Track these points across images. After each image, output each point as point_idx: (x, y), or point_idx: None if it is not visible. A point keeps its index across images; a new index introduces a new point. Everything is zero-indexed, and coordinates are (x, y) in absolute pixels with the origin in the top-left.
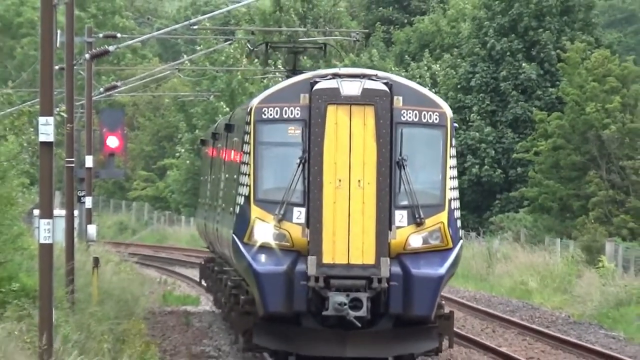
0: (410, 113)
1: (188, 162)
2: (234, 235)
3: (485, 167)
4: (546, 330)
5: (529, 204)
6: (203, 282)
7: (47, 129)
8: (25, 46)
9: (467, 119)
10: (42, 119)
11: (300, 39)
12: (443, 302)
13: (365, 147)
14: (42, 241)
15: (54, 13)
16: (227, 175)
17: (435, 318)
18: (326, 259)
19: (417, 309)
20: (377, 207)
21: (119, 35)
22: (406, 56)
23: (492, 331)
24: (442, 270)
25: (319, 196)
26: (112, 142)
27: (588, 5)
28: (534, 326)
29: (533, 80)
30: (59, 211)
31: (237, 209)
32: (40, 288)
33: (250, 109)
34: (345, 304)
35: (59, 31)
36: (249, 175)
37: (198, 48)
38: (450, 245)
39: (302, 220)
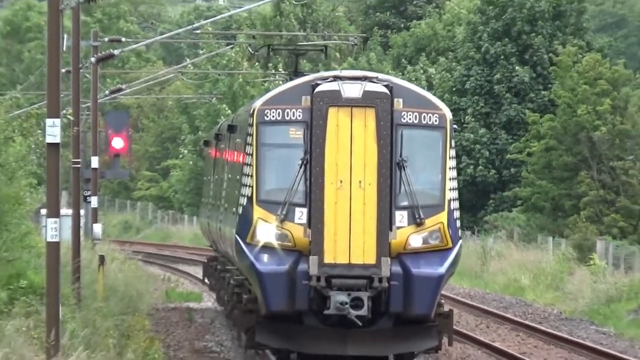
0: (410, 115)
1: (191, 162)
2: (236, 236)
3: (480, 167)
4: (539, 326)
5: (522, 203)
6: (206, 280)
7: (53, 131)
8: (32, 50)
9: (462, 120)
10: (49, 121)
11: (300, 43)
12: (442, 300)
13: (366, 149)
14: (49, 239)
15: (61, 18)
16: (229, 176)
17: (435, 316)
18: (328, 259)
19: (417, 308)
20: (378, 208)
21: (123, 39)
22: (403, 59)
23: (486, 327)
24: (442, 269)
25: (320, 197)
26: (117, 143)
27: (579, 10)
28: (526, 322)
29: (526, 83)
30: (66, 210)
31: (240, 210)
32: (48, 285)
33: (253, 111)
34: (346, 303)
35: (65, 35)
36: (251, 176)
37: (200, 52)
38: (450, 245)
39: (304, 220)
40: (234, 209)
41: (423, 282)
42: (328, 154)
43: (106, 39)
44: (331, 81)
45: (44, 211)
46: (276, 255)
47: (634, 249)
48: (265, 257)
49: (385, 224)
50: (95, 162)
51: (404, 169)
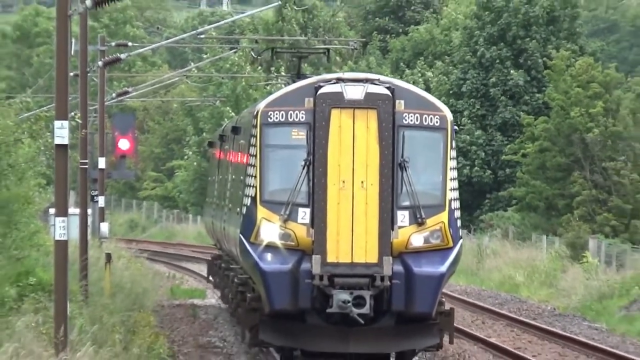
0: (411, 116)
1: (195, 163)
2: (240, 235)
3: (476, 168)
4: (533, 322)
5: (517, 202)
6: (210, 278)
7: (62, 132)
8: (41, 54)
9: (459, 123)
10: (57, 123)
11: (301, 47)
12: (443, 299)
13: (368, 150)
14: (57, 238)
15: (69, 23)
16: (233, 177)
17: (436, 315)
18: (330, 258)
19: (418, 306)
20: (380, 208)
21: (130, 44)
22: (401, 63)
23: (482, 323)
24: (443, 268)
25: (323, 197)
26: (124, 144)
27: (572, 16)
28: (521, 318)
29: (521, 86)
30: (74, 210)
31: (244, 210)
32: (56, 282)
33: (257, 113)
34: (348, 302)
35: (73, 40)
36: (255, 176)
37: (204, 56)
38: (451, 244)
39: (307, 220)
40: (238, 209)
41: (424, 280)
42: (331, 155)
43: (113, 44)
44: (334, 83)
45: (52, 210)
46: (279, 254)
47: (625, 247)
48: (268, 257)
49: (387, 223)
50: (102, 162)
51: (406, 170)
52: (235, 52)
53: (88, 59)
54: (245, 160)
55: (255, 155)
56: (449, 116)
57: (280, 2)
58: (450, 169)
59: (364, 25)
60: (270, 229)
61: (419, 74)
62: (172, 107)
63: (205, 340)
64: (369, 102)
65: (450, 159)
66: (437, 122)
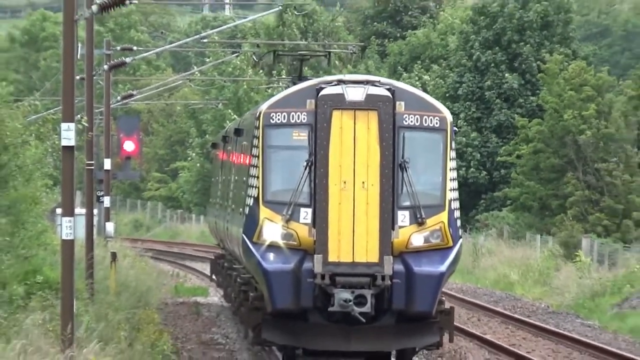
0: (412, 117)
1: (198, 164)
2: (243, 235)
3: (472, 169)
4: (527, 319)
5: (512, 203)
6: (214, 277)
7: (68, 134)
8: (48, 58)
9: (455, 125)
10: (64, 125)
11: (302, 50)
12: (443, 298)
13: (369, 150)
14: (64, 237)
15: (75, 28)
16: (236, 177)
17: (436, 313)
18: (332, 258)
19: (419, 305)
20: (381, 208)
21: (134, 48)
22: (399, 67)
23: (478, 320)
24: (443, 267)
25: (324, 197)
26: (129, 146)
27: (566, 21)
28: (516, 315)
29: (515, 90)
30: (80, 210)
31: (247, 210)
32: (62, 280)
33: (259, 114)
34: (350, 301)
35: (79, 44)
36: (257, 177)
37: (207, 60)
38: (451, 244)
39: (309, 220)
40: (241, 209)
41: (424, 279)
42: (332, 156)
43: (118, 48)
44: (335, 85)
45: (59, 210)
46: (282, 254)
47: (617, 246)
48: (271, 256)
49: (387, 223)
50: (107, 164)
51: (406, 170)
52: (237, 56)
53: (94, 62)
54: (248, 161)
55: (258, 156)
56: (449, 117)
57: (281, 8)
58: (450, 169)
59: (363, 30)
60: (272, 229)
61: (416, 78)
62: (176, 109)
63: (208, 337)
64: (370, 103)
65: (450, 159)
66: (437, 123)
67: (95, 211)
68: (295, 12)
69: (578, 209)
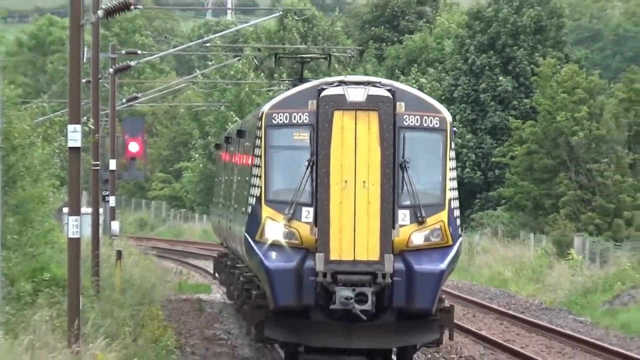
0: (412, 118)
1: (201, 165)
2: (246, 234)
3: (467, 169)
4: (521, 316)
5: (506, 202)
6: (217, 275)
7: (75, 136)
8: (55, 62)
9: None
10: (70, 127)
11: (303, 53)
12: (443, 296)
13: (369, 150)
14: (70, 236)
15: (81, 32)
16: (239, 177)
17: (437, 311)
18: (333, 256)
19: (419, 303)
20: (381, 207)
21: (139, 51)
22: (396, 70)
23: (473, 316)
24: (443, 266)
25: (326, 196)
26: (133, 147)
27: (558, 25)
28: (510, 312)
29: (509, 92)
30: (86, 209)
31: (249, 209)
32: (69, 278)
33: (262, 115)
34: (351, 298)
35: (85, 48)
36: (260, 177)
37: (210, 63)
38: (450, 242)
39: (311, 219)
40: (244, 208)
41: (425, 278)
42: (333, 156)
43: (123, 52)
44: (336, 86)
45: (65, 210)
46: (284, 252)
47: (608, 244)
48: (273, 255)
49: (388, 222)
50: (113, 164)
51: (406, 170)
52: (239, 60)
53: (99, 66)
54: (250, 161)
55: (260, 156)
56: (448, 118)
57: (281, 13)
58: (450, 169)
59: (361, 34)
60: (274, 228)
61: (413, 81)
62: (179, 111)
63: (211, 332)
64: (371, 104)
65: (450, 159)
66: (436, 123)
67: (101, 210)
68: (296, 17)
69: (570, 209)
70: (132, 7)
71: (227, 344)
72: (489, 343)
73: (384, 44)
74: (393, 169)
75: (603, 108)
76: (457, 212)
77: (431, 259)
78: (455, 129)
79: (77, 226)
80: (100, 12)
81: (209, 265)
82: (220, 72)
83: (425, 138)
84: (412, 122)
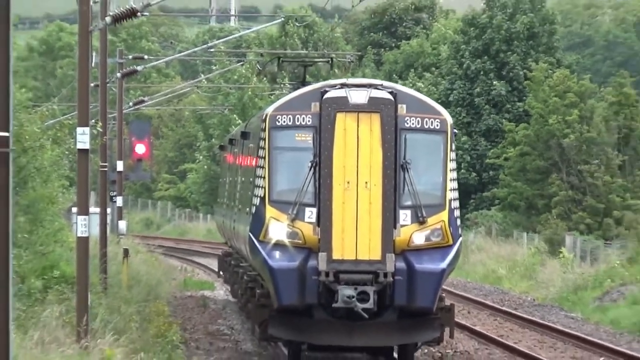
0: (413, 120)
1: (205, 166)
2: (250, 234)
3: (462, 171)
4: (514, 312)
5: (500, 202)
6: (221, 273)
7: (83, 138)
8: (64, 67)
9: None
10: (79, 130)
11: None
12: (444, 294)
13: (371, 152)
14: (79, 235)
15: (90, 38)
16: (243, 178)
17: (437, 310)
18: (336, 255)
19: (420, 301)
20: (383, 207)
21: (145, 57)
22: (394, 75)
23: (468, 312)
24: (444, 265)
25: (329, 197)
26: (140, 149)
27: (550, 32)
28: (503, 308)
29: (503, 96)
30: (94, 209)
31: (253, 209)
32: (78, 275)
33: (265, 116)
34: (353, 297)
35: (93, 53)
36: (264, 177)
37: (214, 68)
38: (451, 242)
39: (314, 219)
40: (248, 208)
41: (426, 277)
42: (336, 157)
43: (130, 57)
44: (339, 88)
45: (74, 209)
46: (287, 252)
47: (598, 243)
48: (277, 254)
49: (390, 222)
50: (120, 165)
51: (408, 171)
52: (242, 65)
53: (107, 70)
54: (254, 163)
55: (264, 157)
56: (449, 120)
57: (283, 19)
58: (450, 170)
59: (360, 40)
60: (278, 228)
61: (410, 85)
62: (184, 114)
63: (215, 328)
64: (373, 106)
65: (450, 160)
66: (437, 125)
67: (108, 210)
68: (297, 24)
69: (562, 208)
70: (138, 13)
71: (231, 339)
72: (483, 338)
73: (382, 50)
74: (394, 169)
75: (593, 111)
76: (457, 212)
77: (432, 259)
78: (455, 130)
79: (85, 225)
80: (108, 19)
81: (213, 263)
82: (223, 76)
83: (426, 139)
84: (413, 123)
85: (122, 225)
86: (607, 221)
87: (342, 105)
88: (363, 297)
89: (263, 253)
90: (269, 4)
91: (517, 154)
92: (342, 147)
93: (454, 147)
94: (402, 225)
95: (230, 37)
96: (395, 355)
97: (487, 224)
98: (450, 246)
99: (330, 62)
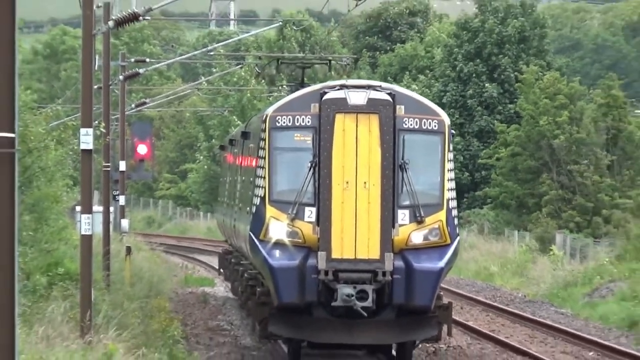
0: (411, 121)
1: (205, 166)
2: (250, 233)
3: (455, 170)
4: (506, 307)
5: (492, 201)
6: (222, 271)
7: (87, 139)
8: (68, 69)
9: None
10: (83, 131)
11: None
12: (442, 293)
13: (370, 152)
14: (83, 233)
15: (93, 42)
16: (243, 178)
17: (435, 308)
18: (335, 254)
19: (418, 300)
20: (382, 207)
21: (147, 60)
22: (389, 77)
23: (461, 308)
24: (441, 264)
25: (328, 197)
26: (142, 149)
27: (541, 35)
28: (495, 304)
29: (495, 98)
30: (97, 207)
31: (254, 209)
32: (82, 272)
33: (266, 117)
34: (352, 296)
35: (97, 57)
36: (264, 177)
37: (214, 70)
38: (449, 241)
39: (313, 219)
40: (248, 208)
41: (424, 275)
42: (335, 157)
43: (132, 60)
44: (338, 89)
45: (78, 208)
46: (287, 251)
47: (588, 241)
48: (277, 253)
49: (388, 221)
50: (122, 166)
51: (406, 171)
52: (241, 68)
53: (110, 73)
54: (254, 163)
55: (264, 158)
56: (447, 120)
57: (281, 23)
58: (448, 170)
59: (356, 44)
60: (278, 227)
61: (405, 87)
62: (185, 116)
63: (215, 323)
64: (371, 107)
65: (448, 160)
66: (435, 126)
67: (111, 209)
68: (294, 27)
69: (552, 207)
70: (140, 18)
71: (230, 334)
72: (476, 333)
73: (377, 53)
74: (393, 170)
75: (583, 113)
76: (455, 212)
77: (430, 258)
78: (453, 131)
79: (89, 224)
80: (110, 23)
81: (213, 260)
82: (223, 79)
83: (424, 140)
84: (411, 124)
85: (125, 223)
86: (596, 219)
87: (341, 106)
88: (362, 295)
89: (263, 252)
90: (267, 8)
91: (508, 154)
92: (341, 147)
93: (451, 147)
94: (401, 225)
95: (230, 40)
96: (394, 352)
97: (479, 222)
98: (448, 245)
99: (328, 64)
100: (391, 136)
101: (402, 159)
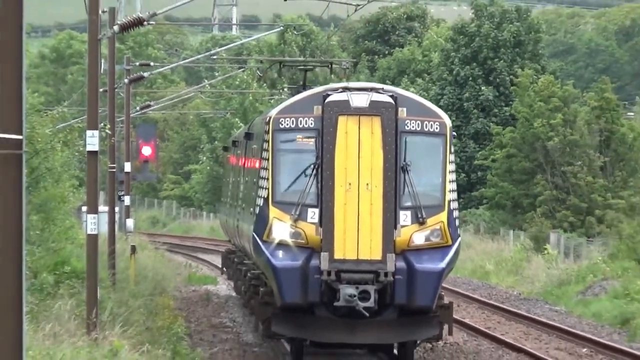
0: (413, 123)
1: (209, 167)
2: (254, 233)
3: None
4: (501, 305)
5: (487, 202)
6: (225, 270)
7: (93, 141)
8: (74, 73)
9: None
10: (89, 132)
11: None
12: (443, 293)
13: (372, 154)
14: (89, 232)
15: (99, 46)
16: (247, 179)
17: (436, 308)
18: (337, 255)
19: (419, 300)
20: (384, 208)
21: (152, 63)
22: (387, 80)
23: (457, 306)
24: (443, 264)
25: (331, 198)
26: (146, 151)
27: (536, 40)
28: (491, 302)
29: (490, 101)
30: (103, 208)
31: (257, 210)
32: (88, 270)
33: (269, 119)
34: (354, 296)
35: (102, 60)
36: (267, 179)
37: (217, 74)
38: (450, 242)
39: (316, 220)
40: (252, 209)
41: (425, 276)
42: (338, 159)
43: (137, 64)
44: (341, 92)
45: (84, 208)
46: (290, 251)
47: (581, 240)
48: (280, 254)
49: (390, 223)
50: (127, 167)
51: (408, 173)
52: (243, 71)
53: (115, 77)
54: (258, 164)
55: (268, 159)
56: (448, 123)
57: (282, 28)
58: (449, 172)
59: (355, 48)
60: (281, 228)
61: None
62: (189, 118)
63: (218, 321)
64: (374, 109)
65: (449, 162)
66: (436, 128)
67: (116, 209)
68: (295, 32)
69: (546, 207)
70: (145, 22)
71: (233, 331)
72: (472, 330)
73: (376, 57)
74: (395, 171)
75: (576, 115)
76: (456, 213)
77: (431, 258)
78: (454, 133)
79: (95, 223)
80: (116, 28)
81: (216, 259)
82: (226, 82)
83: (426, 142)
84: (413, 126)
85: (130, 223)
86: (590, 219)
87: (344, 108)
88: (364, 295)
89: (267, 252)
90: (268, 13)
91: (504, 156)
92: (343, 149)
93: (452, 149)
94: (403, 226)
95: (232, 45)
96: (395, 352)
97: (475, 222)
98: (450, 246)
99: (329, 66)
100: (393, 138)
101: (404, 160)
